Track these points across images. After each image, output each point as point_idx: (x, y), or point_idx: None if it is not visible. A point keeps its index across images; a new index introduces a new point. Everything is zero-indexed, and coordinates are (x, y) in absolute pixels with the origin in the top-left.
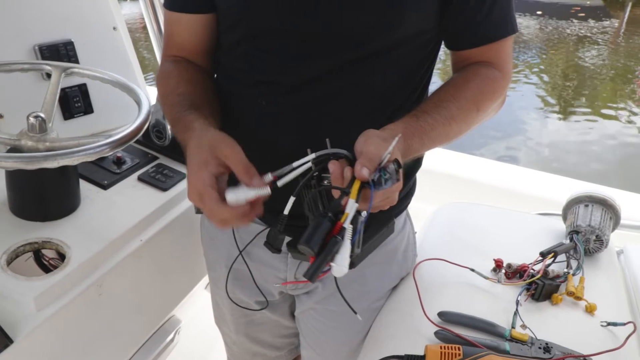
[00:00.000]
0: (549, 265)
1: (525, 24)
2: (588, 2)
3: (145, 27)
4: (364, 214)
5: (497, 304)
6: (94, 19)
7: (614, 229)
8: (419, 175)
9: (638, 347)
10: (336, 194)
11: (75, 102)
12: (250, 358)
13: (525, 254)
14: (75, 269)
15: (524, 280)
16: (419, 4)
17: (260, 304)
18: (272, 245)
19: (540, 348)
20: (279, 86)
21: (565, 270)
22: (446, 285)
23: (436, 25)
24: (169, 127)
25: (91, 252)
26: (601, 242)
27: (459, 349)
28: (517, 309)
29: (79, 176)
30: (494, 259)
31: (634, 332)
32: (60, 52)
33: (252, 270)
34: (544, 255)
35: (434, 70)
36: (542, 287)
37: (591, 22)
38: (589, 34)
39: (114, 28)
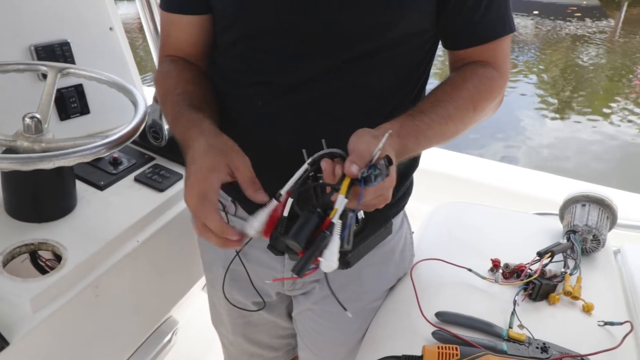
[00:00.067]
0: (546, 265)
1: (523, 23)
2: (584, 2)
3: (141, 28)
4: (361, 213)
5: (495, 304)
6: (90, 19)
7: (611, 228)
8: (416, 175)
9: (635, 347)
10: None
11: (71, 103)
12: (248, 359)
13: (522, 254)
14: (72, 270)
15: (522, 280)
16: (418, 3)
17: (258, 304)
18: (275, 247)
19: (537, 348)
20: (276, 86)
21: (563, 270)
22: (443, 285)
23: (434, 25)
24: (165, 127)
25: (88, 253)
26: (598, 241)
27: (456, 349)
28: (514, 309)
29: (75, 177)
30: (492, 259)
31: (631, 331)
32: (56, 52)
33: (249, 271)
34: (541, 255)
35: (432, 71)
36: (539, 287)
37: (588, 22)
38: (585, 34)
39: (111, 28)
